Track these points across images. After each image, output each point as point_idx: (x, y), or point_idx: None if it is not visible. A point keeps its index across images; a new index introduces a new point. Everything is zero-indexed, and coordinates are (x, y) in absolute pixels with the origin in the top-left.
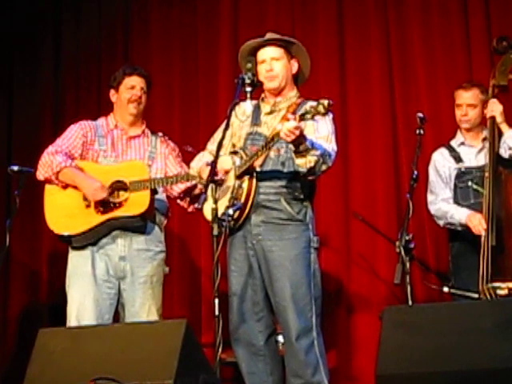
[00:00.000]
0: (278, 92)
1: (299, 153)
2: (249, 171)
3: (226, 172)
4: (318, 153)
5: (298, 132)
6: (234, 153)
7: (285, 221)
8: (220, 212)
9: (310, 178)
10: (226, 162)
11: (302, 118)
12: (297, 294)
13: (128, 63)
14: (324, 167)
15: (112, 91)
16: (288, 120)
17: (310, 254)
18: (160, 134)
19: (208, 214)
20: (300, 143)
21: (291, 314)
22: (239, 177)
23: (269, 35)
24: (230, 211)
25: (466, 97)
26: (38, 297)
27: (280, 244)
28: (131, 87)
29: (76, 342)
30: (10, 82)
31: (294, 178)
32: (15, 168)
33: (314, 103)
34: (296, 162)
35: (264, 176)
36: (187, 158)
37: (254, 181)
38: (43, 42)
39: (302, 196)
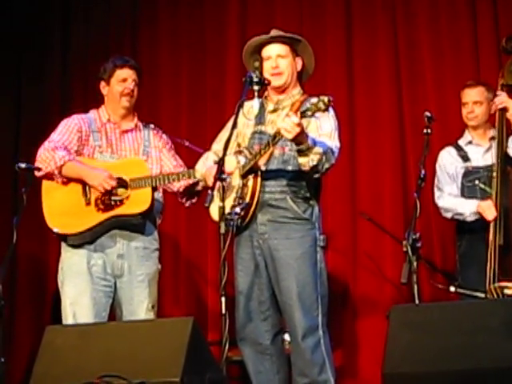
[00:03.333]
0: (282, 89)
1: (301, 151)
2: (253, 170)
3: (229, 174)
4: (320, 151)
5: (298, 129)
6: (239, 152)
7: (291, 219)
8: (226, 211)
9: (314, 176)
10: (229, 162)
11: (303, 114)
12: (303, 292)
13: (118, 55)
14: (327, 165)
15: (102, 83)
16: (288, 117)
17: (316, 252)
18: (152, 125)
19: (215, 213)
20: (301, 141)
21: (297, 312)
22: (244, 176)
23: (274, 32)
24: (238, 209)
25: (472, 94)
26: (45, 294)
27: (286, 243)
28: (123, 80)
29: (83, 339)
30: (18, 79)
31: (299, 177)
32: (23, 165)
33: (314, 100)
34: (299, 160)
35: (269, 175)
36: (183, 152)
37: (259, 180)
38: (52, 40)
39: (307, 194)
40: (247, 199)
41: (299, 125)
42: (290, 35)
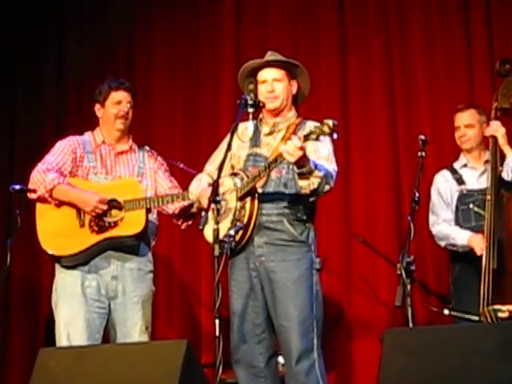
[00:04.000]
0: (277, 112)
1: (302, 174)
2: (251, 192)
3: (224, 196)
4: (321, 174)
5: (301, 152)
6: (234, 174)
7: (288, 242)
8: (222, 234)
9: (312, 199)
10: (226, 184)
11: (307, 138)
12: (300, 315)
13: (113, 77)
14: (327, 188)
15: (97, 106)
16: (291, 140)
17: (312, 275)
18: (147, 147)
19: (209, 235)
20: (303, 164)
21: (294, 335)
22: (241, 198)
23: (270, 54)
24: (232, 232)
25: (463, 118)
26: (39, 315)
27: (283, 265)
28: (118, 102)
29: (76, 362)
30: (13, 100)
31: (296, 199)
32: (17, 187)
33: (317, 124)
34: (299, 183)
35: (266, 197)
36: (177, 174)
37: (256, 202)
38: (46, 60)
39: (304, 217)
40: (244, 221)
41: (302, 148)
42: (286, 59)
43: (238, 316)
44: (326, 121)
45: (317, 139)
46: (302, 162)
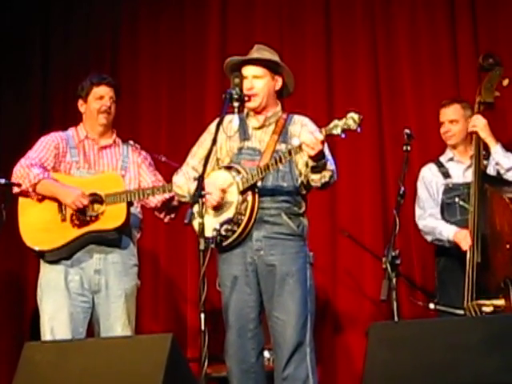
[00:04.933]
0: (259, 111)
1: (316, 168)
2: (251, 186)
3: (223, 190)
4: (332, 168)
5: (321, 146)
6: (229, 168)
7: (286, 235)
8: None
9: (317, 189)
10: (223, 178)
11: (330, 132)
12: (298, 309)
13: (95, 73)
14: (332, 181)
15: (80, 101)
16: (311, 133)
17: (307, 269)
18: (131, 142)
19: (207, 230)
20: (321, 158)
21: (290, 328)
22: (243, 192)
23: (256, 48)
24: (217, 226)
25: (447, 113)
26: (24, 310)
27: (282, 258)
28: (100, 97)
29: (61, 356)
30: None
31: (293, 193)
32: (2, 181)
33: (337, 120)
34: (311, 177)
35: (264, 191)
36: (161, 168)
37: (257, 196)
38: (32, 58)
39: (299, 211)
40: (246, 215)
41: (323, 142)
42: (263, 58)
43: (233, 311)
44: (350, 114)
45: (342, 133)
46: (320, 155)
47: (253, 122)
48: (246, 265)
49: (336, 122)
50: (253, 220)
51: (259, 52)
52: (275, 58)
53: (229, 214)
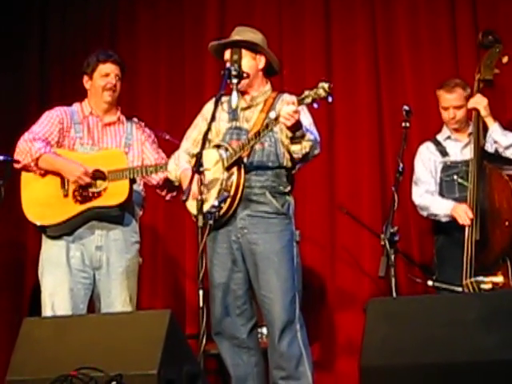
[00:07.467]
0: (243, 90)
1: (295, 138)
2: (237, 162)
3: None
4: (312, 137)
5: (297, 116)
6: (218, 146)
7: (270, 214)
8: (209, 204)
9: (299, 165)
10: (211, 156)
11: (301, 102)
12: (283, 286)
13: (101, 49)
14: (316, 152)
15: (85, 77)
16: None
17: (293, 247)
18: (135, 119)
19: (192, 208)
20: (298, 128)
21: (277, 306)
22: (228, 168)
23: (236, 31)
24: (215, 202)
25: (452, 99)
26: (24, 285)
27: (266, 237)
28: (105, 74)
29: (60, 332)
30: None
31: (278, 172)
32: (0, 158)
33: (308, 90)
34: (291, 148)
35: (249, 169)
36: (164, 145)
37: (243, 172)
38: (30, 35)
39: (285, 190)
40: (231, 192)
41: (297, 112)
42: (234, 40)
43: (220, 288)
44: (321, 84)
45: (312, 102)
46: (297, 126)
47: (241, 102)
48: (230, 243)
49: (307, 92)
50: (238, 196)
51: (238, 34)
52: (254, 37)
53: (215, 190)
